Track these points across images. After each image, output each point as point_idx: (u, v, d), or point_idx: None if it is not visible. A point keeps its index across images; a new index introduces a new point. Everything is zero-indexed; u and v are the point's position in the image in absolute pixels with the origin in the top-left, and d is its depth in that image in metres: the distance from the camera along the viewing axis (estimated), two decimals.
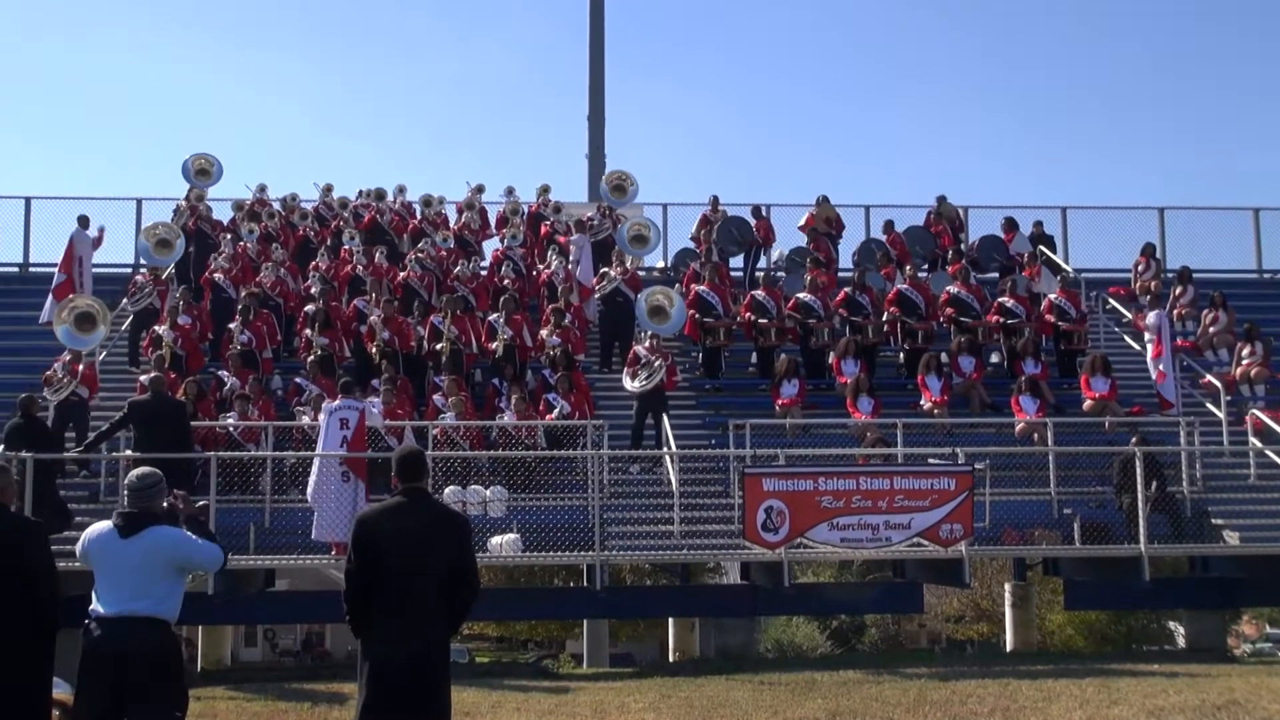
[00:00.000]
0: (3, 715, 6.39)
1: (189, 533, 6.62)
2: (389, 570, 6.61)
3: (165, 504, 6.62)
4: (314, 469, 13.97)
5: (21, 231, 23.93)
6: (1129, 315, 21.78)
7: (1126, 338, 21.45)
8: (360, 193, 24.07)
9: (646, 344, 17.55)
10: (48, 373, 16.63)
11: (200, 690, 12.53)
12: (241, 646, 35.17)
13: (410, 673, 6.58)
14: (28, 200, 24.09)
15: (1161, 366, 18.53)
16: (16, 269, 23.93)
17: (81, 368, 16.52)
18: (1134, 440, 15.74)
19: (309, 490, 13.93)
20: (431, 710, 6.67)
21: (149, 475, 6.58)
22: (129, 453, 14.07)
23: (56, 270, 20.61)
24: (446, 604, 6.74)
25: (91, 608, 6.34)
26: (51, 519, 13.24)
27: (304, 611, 19.64)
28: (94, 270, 21.28)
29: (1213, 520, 15.79)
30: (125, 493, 6.59)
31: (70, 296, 18.43)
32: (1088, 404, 18.09)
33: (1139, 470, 14.64)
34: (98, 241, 21.34)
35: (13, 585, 6.44)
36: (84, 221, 21.05)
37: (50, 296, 19.78)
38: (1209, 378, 19.32)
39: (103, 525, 6.52)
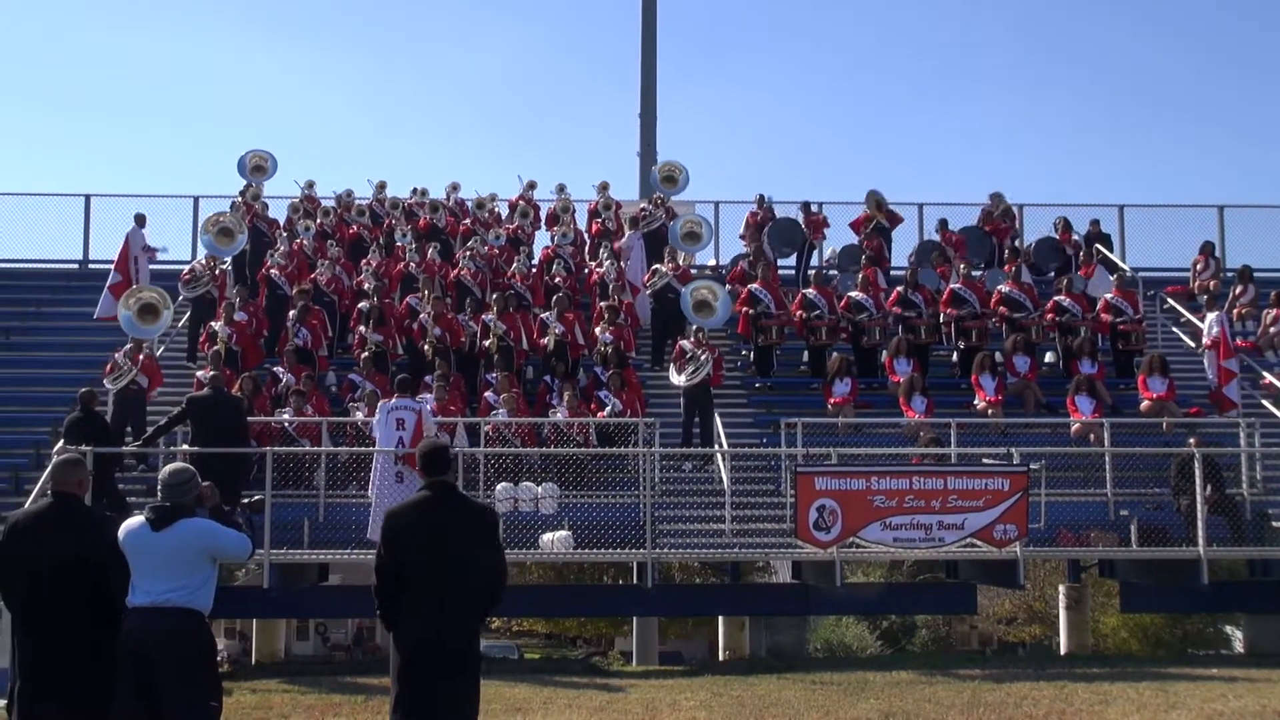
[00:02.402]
0: (67, 702, 6.51)
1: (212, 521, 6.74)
2: (417, 564, 6.74)
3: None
4: (374, 467, 14.09)
5: (81, 228, 24.31)
6: (1187, 315, 21.49)
7: (1185, 338, 21.18)
8: (414, 190, 24.20)
9: (692, 338, 17.50)
10: (110, 363, 16.85)
11: (255, 683, 12.68)
12: (294, 640, 35.45)
13: (441, 663, 6.69)
14: (87, 198, 24.43)
15: (1228, 365, 18.26)
16: (76, 265, 24.27)
17: (142, 357, 16.72)
18: (1192, 441, 15.53)
19: (370, 487, 14.04)
20: (462, 699, 6.78)
21: (182, 471, 6.72)
22: (186, 447, 14.23)
23: (112, 269, 20.88)
24: (475, 595, 6.84)
25: (128, 599, 6.45)
26: (109, 511, 13.48)
27: (356, 606, 19.58)
28: (150, 268, 21.54)
29: (1273, 523, 15.51)
30: (159, 488, 6.69)
31: (135, 286, 18.67)
32: (1145, 404, 17.86)
33: (1197, 472, 14.45)
34: (151, 255, 21.53)
35: (81, 576, 6.57)
36: (140, 220, 21.29)
37: (106, 292, 20.03)
38: (1269, 378, 19.02)
39: (135, 520, 6.63)
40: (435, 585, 6.70)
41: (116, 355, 16.89)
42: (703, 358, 16.88)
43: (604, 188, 23.76)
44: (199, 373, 17.02)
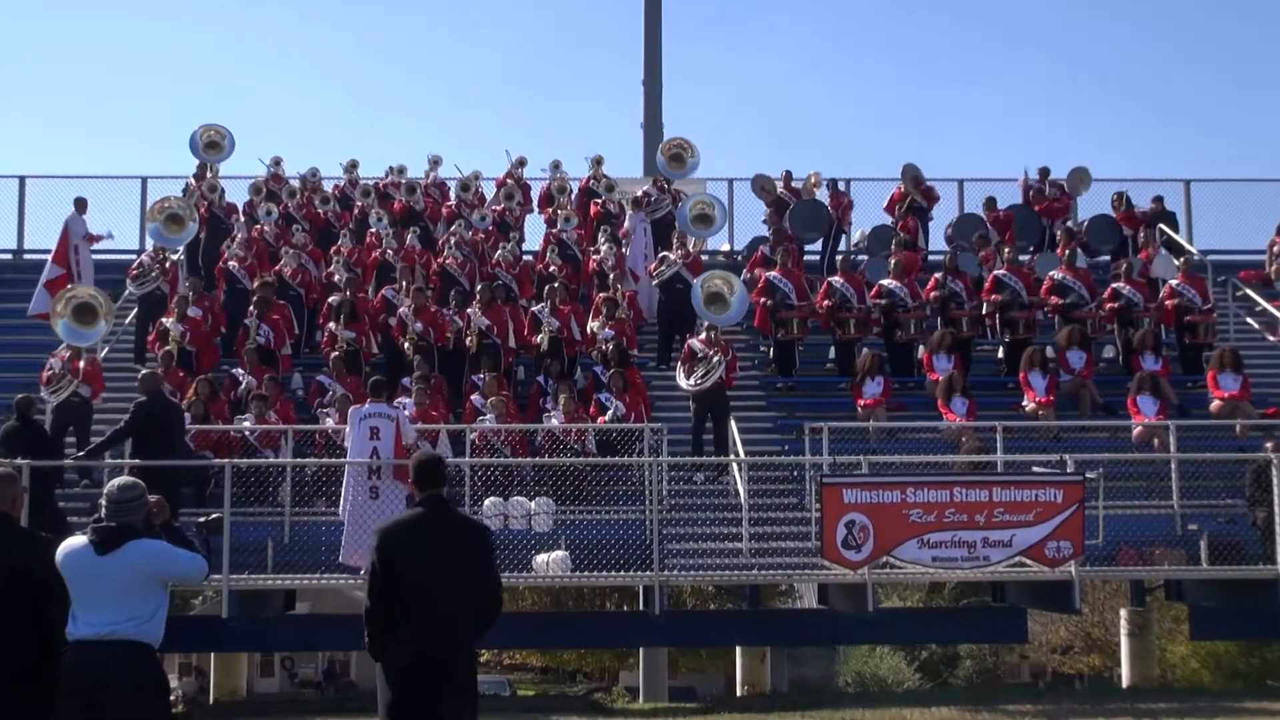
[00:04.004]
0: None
1: (163, 542, 6.73)
2: (414, 583, 6.99)
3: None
4: (345, 481, 14.06)
5: (15, 214, 24.34)
6: (1263, 302, 21.47)
7: (1260, 329, 21.16)
8: (390, 169, 24.22)
9: (703, 336, 17.48)
10: (47, 372, 16.84)
11: None
12: (257, 676, 35.51)
13: (439, 676, 6.94)
14: (22, 180, 24.47)
15: None
16: (10, 255, 24.31)
17: (82, 364, 16.70)
18: (1269, 445, 15.50)
19: (340, 508, 14.02)
20: (461, 711, 7.02)
21: (131, 487, 6.70)
22: (133, 460, 14.20)
23: (49, 262, 20.88)
24: (471, 615, 7.13)
25: (68, 630, 6.44)
26: (49, 531, 13.47)
27: (327, 638, 19.77)
28: (94, 258, 21.57)
29: None
30: (103, 504, 6.67)
31: (69, 286, 18.66)
32: (1216, 404, 17.84)
33: (1275, 480, 14.42)
34: (96, 238, 21.56)
35: (21, 605, 6.58)
36: (80, 205, 21.31)
37: (41, 288, 20.04)
38: None
39: (76, 541, 6.60)
40: (432, 604, 6.98)
41: (53, 360, 16.87)
42: (714, 359, 16.85)
43: (598, 162, 23.73)
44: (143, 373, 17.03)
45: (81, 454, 15.21)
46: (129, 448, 14.63)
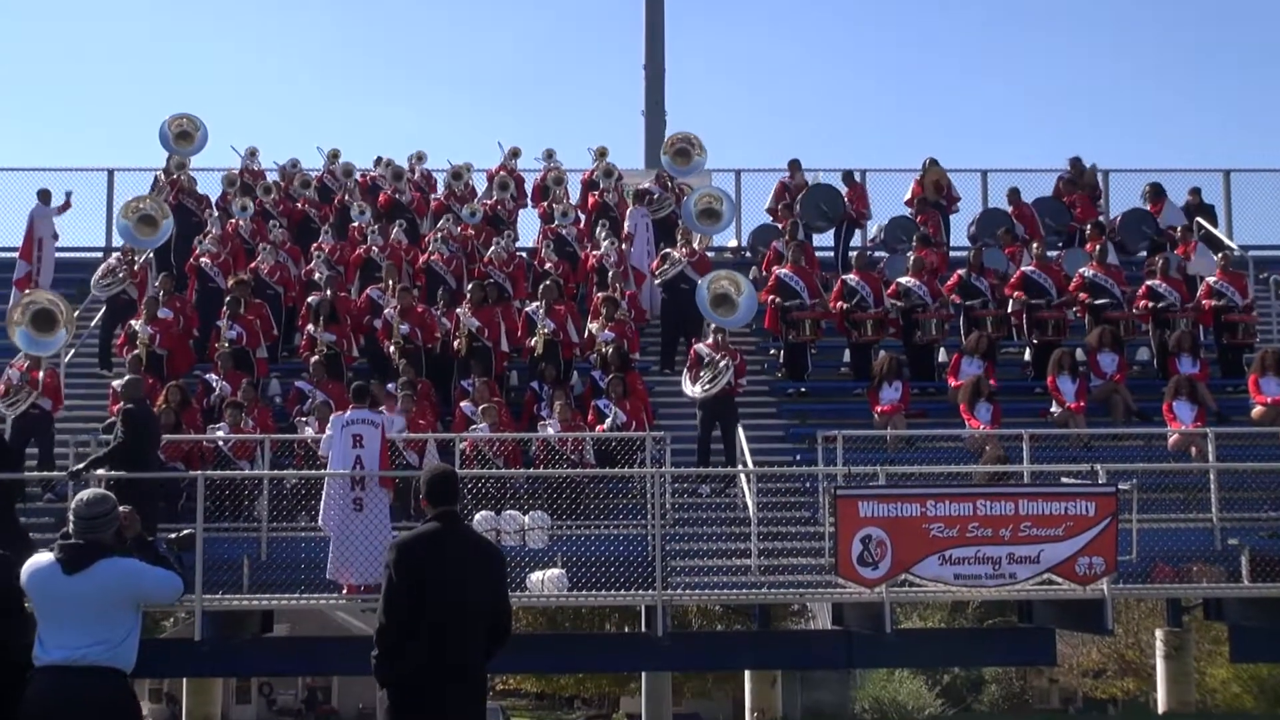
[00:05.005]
0: None
1: (135, 559, 6.75)
2: (427, 601, 7.13)
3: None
4: (324, 493, 14.05)
5: None
6: None
7: None
8: (377, 160, 24.20)
9: (709, 340, 17.48)
10: (4, 383, 16.77)
11: None
12: (233, 703, 35.68)
13: (446, 676, 7.11)
14: None
15: None
16: None
17: (42, 375, 16.60)
18: None
19: (320, 520, 14.02)
20: (467, 703, 7.22)
21: (102, 501, 6.68)
22: (103, 472, 14.18)
23: (18, 259, 20.89)
24: (483, 633, 7.33)
25: (34, 654, 6.45)
26: (9, 549, 13.47)
27: (307, 661, 19.78)
28: (57, 255, 21.58)
29: None
30: (70, 520, 6.66)
31: (26, 291, 18.63)
32: (1257, 410, 17.84)
33: None
34: (63, 208, 21.62)
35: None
36: (44, 196, 21.35)
37: (15, 289, 20.05)
38: None
39: (42, 559, 6.61)
40: (443, 622, 7.14)
41: (10, 371, 16.80)
42: (721, 364, 16.86)
43: (601, 154, 23.73)
44: (115, 383, 17.01)
45: (80, 467, 15.03)
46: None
